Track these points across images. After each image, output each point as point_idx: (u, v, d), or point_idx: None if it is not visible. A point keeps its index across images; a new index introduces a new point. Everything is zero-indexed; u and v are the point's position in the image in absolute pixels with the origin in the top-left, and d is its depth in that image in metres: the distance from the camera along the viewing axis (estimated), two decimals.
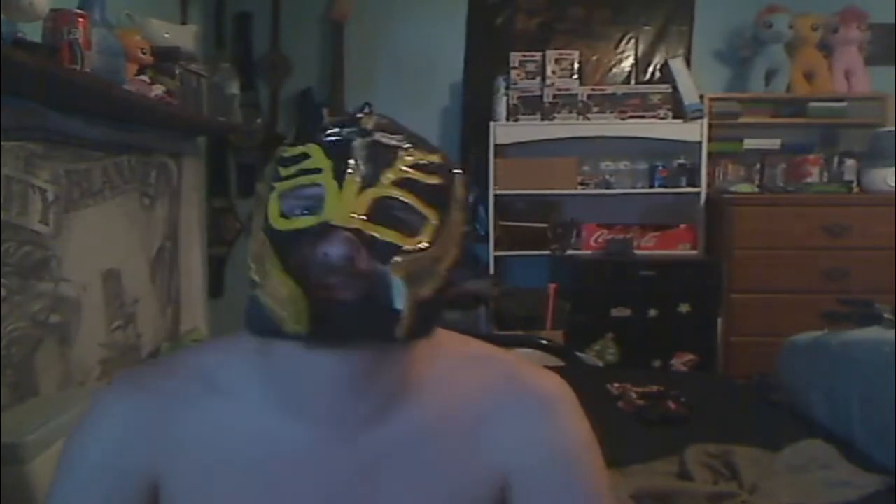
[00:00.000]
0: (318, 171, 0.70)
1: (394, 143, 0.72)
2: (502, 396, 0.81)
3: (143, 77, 2.27)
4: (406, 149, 0.72)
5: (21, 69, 1.58)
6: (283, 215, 0.71)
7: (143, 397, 0.77)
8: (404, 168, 0.71)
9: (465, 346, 0.84)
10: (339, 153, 0.70)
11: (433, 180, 0.72)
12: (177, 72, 2.48)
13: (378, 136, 0.72)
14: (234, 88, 3.10)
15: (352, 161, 0.70)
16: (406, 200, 0.70)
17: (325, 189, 0.69)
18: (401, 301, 0.68)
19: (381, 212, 0.69)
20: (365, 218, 0.68)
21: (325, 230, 0.67)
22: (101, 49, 1.90)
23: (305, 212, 0.70)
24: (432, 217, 0.72)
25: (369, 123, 0.73)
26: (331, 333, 0.67)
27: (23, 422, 1.60)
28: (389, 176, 0.70)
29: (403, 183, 0.70)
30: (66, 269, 2.06)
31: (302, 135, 0.75)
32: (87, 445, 0.78)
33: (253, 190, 3.31)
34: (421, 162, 0.72)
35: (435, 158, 0.74)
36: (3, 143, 1.77)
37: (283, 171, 0.72)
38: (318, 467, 0.76)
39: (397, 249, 0.69)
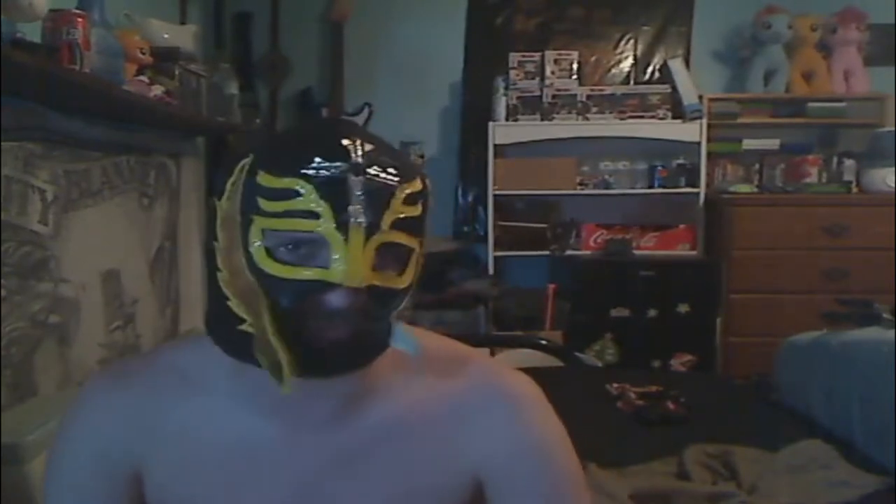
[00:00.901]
0: (314, 215, 0.66)
1: (387, 179, 0.69)
2: (472, 395, 0.82)
3: (142, 77, 2.27)
4: (398, 184, 0.69)
5: (20, 69, 1.58)
6: (272, 257, 0.68)
7: (124, 390, 0.80)
8: (399, 207, 0.69)
9: (435, 345, 0.85)
10: (335, 196, 0.66)
11: (417, 211, 0.71)
12: (176, 72, 2.47)
13: (372, 172, 0.68)
14: (233, 89, 3.10)
15: (352, 208, 0.66)
16: (401, 242, 0.70)
17: (329, 242, 0.66)
18: (397, 340, 0.71)
19: (382, 258, 0.69)
20: (373, 271, 0.68)
21: (330, 286, 0.66)
22: (101, 49, 1.89)
23: (302, 259, 0.67)
24: (416, 247, 0.72)
25: (359, 155, 0.68)
26: (320, 372, 0.69)
27: (22, 422, 1.60)
28: (388, 219, 0.68)
29: (399, 223, 0.69)
30: (66, 270, 2.06)
31: (272, 150, 0.70)
32: (73, 437, 0.81)
33: None
34: (409, 193, 0.70)
35: (417, 184, 0.72)
36: (2, 143, 1.77)
37: (267, 205, 0.67)
38: (286, 462, 0.77)
39: (393, 290, 0.70)
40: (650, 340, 3.49)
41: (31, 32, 1.71)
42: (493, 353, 2.81)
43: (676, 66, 3.70)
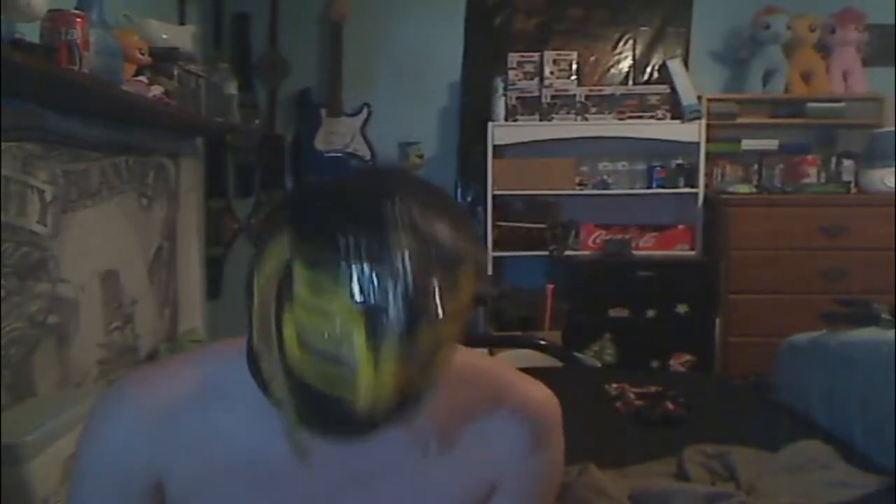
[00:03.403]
0: (349, 339, 0.62)
1: (431, 288, 0.62)
2: (493, 415, 0.82)
3: (141, 77, 2.26)
4: (438, 309, 0.63)
5: (19, 70, 1.58)
6: (302, 347, 0.64)
7: (147, 401, 0.79)
8: (454, 298, 0.64)
9: (457, 360, 0.84)
10: (373, 326, 0.61)
11: (473, 288, 0.67)
12: (175, 72, 2.47)
13: (413, 288, 0.61)
14: (232, 89, 3.10)
15: (388, 340, 0.61)
16: (449, 335, 0.66)
17: (359, 371, 0.62)
18: (425, 403, 0.68)
19: (414, 367, 0.65)
20: (400, 389, 0.64)
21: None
22: (99, 49, 1.89)
23: (335, 348, 0.63)
24: (458, 325, 0.68)
25: (405, 254, 0.61)
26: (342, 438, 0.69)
27: (21, 422, 1.60)
28: (426, 331, 0.63)
29: (454, 315, 0.65)
30: (64, 270, 2.06)
31: (313, 238, 0.64)
32: (95, 448, 0.81)
33: (251, 190, 3.29)
34: (465, 274, 0.66)
35: (480, 259, 0.68)
36: (1, 143, 1.77)
37: (307, 299, 0.63)
38: (306, 477, 0.77)
39: (423, 391, 0.67)
40: (649, 341, 3.49)
41: (30, 33, 1.71)
42: (491, 354, 2.81)
43: (675, 66, 3.70)
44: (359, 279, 0.61)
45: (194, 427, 0.78)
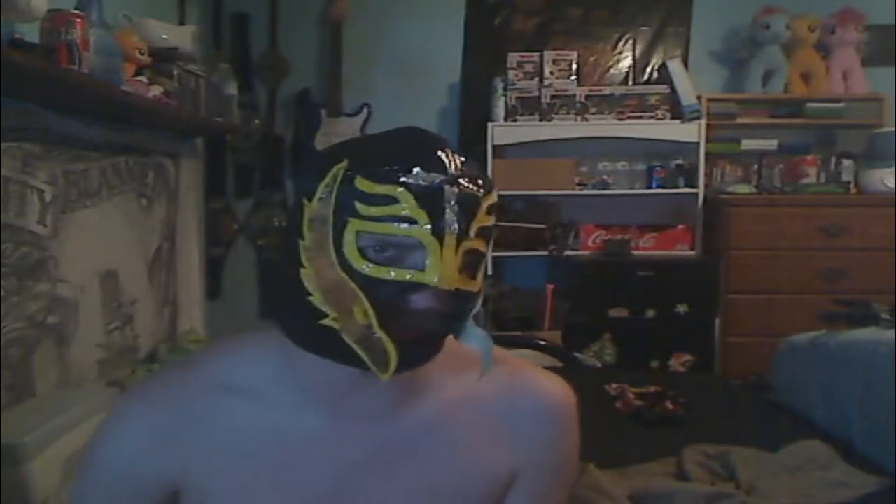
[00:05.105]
0: (412, 221, 0.69)
1: (476, 191, 0.73)
2: (514, 399, 0.86)
3: (140, 77, 2.27)
4: (484, 195, 0.74)
5: (19, 70, 1.58)
6: (366, 257, 0.70)
7: (161, 405, 0.80)
8: (483, 217, 0.73)
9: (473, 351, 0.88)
10: (432, 204, 0.70)
11: (493, 221, 0.75)
12: (174, 72, 2.48)
13: (464, 183, 0.72)
14: (231, 89, 3.10)
15: (448, 215, 0.70)
16: (482, 250, 0.74)
17: (427, 248, 0.70)
18: (470, 338, 0.76)
19: (467, 264, 0.73)
20: (459, 275, 0.71)
21: (423, 287, 0.70)
22: (99, 49, 1.89)
23: (391, 262, 0.71)
24: (487, 252, 0.76)
25: (454, 168, 0.72)
26: (403, 365, 0.72)
27: (21, 422, 1.60)
28: (475, 228, 0.72)
29: (482, 232, 0.73)
30: (64, 270, 2.06)
31: (371, 156, 0.72)
32: (106, 454, 0.81)
33: (251, 190, 3.28)
34: (490, 205, 0.75)
35: (494, 196, 0.76)
36: (1, 143, 1.77)
37: (365, 210, 0.70)
38: (333, 455, 0.79)
39: (473, 293, 0.74)
40: (649, 341, 3.49)
41: (30, 33, 1.71)
42: None
43: (675, 66, 3.70)
44: (419, 181, 0.70)
45: (209, 426, 0.79)
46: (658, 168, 3.71)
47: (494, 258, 3.69)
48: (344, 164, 0.71)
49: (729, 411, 2.16)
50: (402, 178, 0.70)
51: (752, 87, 3.71)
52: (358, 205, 0.70)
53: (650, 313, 3.52)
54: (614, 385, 2.27)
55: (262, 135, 3.83)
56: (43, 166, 1.97)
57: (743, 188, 3.70)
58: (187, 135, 3.10)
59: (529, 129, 3.64)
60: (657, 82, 3.78)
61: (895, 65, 3.73)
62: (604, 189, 3.75)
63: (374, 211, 0.70)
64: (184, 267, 3.08)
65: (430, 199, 0.70)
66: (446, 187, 0.71)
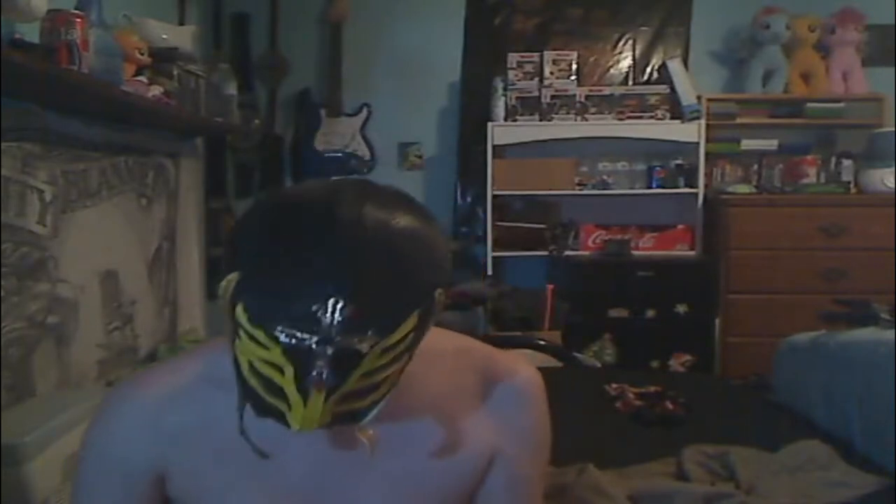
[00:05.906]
0: (280, 370, 0.66)
1: (359, 346, 0.65)
2: (485, 388, 0.87)
3: (140, 78, 2.26)
4: (373, 346, 0.66)
5: (19, 70, 1.58)
6: (252, 368, 0.69)
7: (151, 395, 0.83)
8: (373, 362, 0.67)
9: (443, 339, 0.87)
10: (300, 361, 0.65)
11: (400, 349, 0.69)
12: (174, 72, 2.47)
13: (340, 341, 0.65)
14: (231, 89, 3.10)
15: (314, 375, 0.65)
16: (374, 383, 0.69)
17: (289, 398, 0.67)
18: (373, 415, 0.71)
19: (355, 392, 0.68)
20: (330, 418, 0.68)
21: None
22: (99, 49, 1.89)
23: (272, 390, 0.68)
24: (402, 362, 0.71)
25: (331, 323, 0.64)
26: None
27: (21, 422, 1.60)
28: (355, 376, 0.67)
29: (372, 373, 0.68)
30: (64, 270, 2.06)
31: (255, 282, 0.67)
32: (99, 439, 0.85)
33: (251, 190, 3.29)
34: (386, 347, 0.67)
35: (406, 326, 0.68)
36: (1, 143, 1.77)
37: (245, 338, 0.68)
38: (314, 446, 0.81)
39: (362, 409, 0.70)
40: (649, 341, 3.49)
41: (30, 33, 1.71)
42: None
43: (675, 66, 3.71)
44: (287, 337, 0.65)
45: (195, 415, 0.82)
46: (658, 168, 3.71)
47: (494, 258, 3.69)
48: (234, 277, 0.68)
49: (729, 411, 2.15)
50: (274, 328, 0.65)
51: (752, 87, 3.71)
52: (240, 330, 0.68)
53: (650, 313, 3.52)
54: (614, 385, 2.27)
55: (262, 135, 3.83)
56: (43, 166, 1.97)
57: (743, 188, 3.71)
58: (187, 135, 3.09)
59: (529, 129, 3.64)
60: (657, 82, 3.79)
61: (895, 65, 3.73)
62: (604, 189, 3.75)
63: (251, 346, 0.67)
64: (184, 267, 3.08)
65: (297, 356, 0.65)
66: (316, 348, 0.64)
